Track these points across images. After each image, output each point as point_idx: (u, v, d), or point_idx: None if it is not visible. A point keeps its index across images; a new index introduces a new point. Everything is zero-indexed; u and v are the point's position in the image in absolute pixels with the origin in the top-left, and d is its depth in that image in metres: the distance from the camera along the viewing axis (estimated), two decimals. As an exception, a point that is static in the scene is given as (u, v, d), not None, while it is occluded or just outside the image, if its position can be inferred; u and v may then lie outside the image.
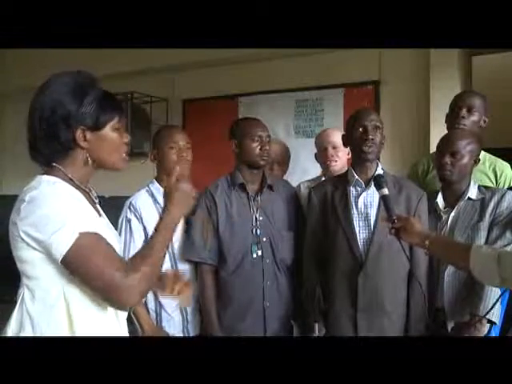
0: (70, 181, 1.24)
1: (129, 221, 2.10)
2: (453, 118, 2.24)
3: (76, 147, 1.24)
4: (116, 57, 3.63)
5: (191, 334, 2.14)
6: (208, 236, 2.09)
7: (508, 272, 1.35)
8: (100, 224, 1.27)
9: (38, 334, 1.17)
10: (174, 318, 2.12)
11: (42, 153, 1.25)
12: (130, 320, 1.40)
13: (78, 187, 1.25)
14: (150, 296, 2.09)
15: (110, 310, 1.25)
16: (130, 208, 2.12)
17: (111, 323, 1.27)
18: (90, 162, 1.26)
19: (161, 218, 1.29)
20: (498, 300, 1.72)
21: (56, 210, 1.14)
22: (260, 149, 2.08)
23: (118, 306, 1.21)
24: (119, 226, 2.09)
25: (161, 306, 2.10)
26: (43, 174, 1.23)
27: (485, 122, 2.27)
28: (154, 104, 4.22)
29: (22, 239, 1.15)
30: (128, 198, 2.19)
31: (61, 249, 1.12)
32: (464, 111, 2.21)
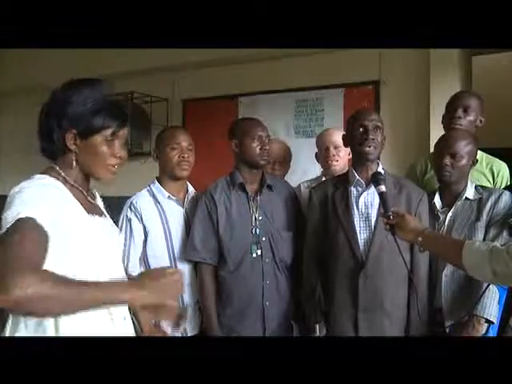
0: (65, 181, 1.25)
1: (129, 220, 2.12)
2: (449, 119, 2.25)
3: (68, 150, 1.25)
4: (116, 57, 3.63)
5: (189, 334, 2.14)
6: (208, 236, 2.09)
7: (500, 266, 1.35)
8: (90, 223, 1.25)
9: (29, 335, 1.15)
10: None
11: (46, 151, 1.29)
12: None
13: (71, 186, 1.26)
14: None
15: (104, 310, 1.19)
16: (130, 208, 2.13)
17: (104, 324, 1.23)
18: (77, 166, 1.26)
19: (126, 284, 1.21)
20: (483, 293, 1.72)
21: (24, 195, 1.12)
22: (260, 149, 2.08)
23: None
24: (119, 225, 2.09)
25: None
26: (39, 173, 1.25)
27: (481, 121, 2.27)
28: (154, 104, 4.22)
29: None
30: (128, 198, 2.20)
31: (4, 227, 1.06)
32: (460, 111, 2.21)
